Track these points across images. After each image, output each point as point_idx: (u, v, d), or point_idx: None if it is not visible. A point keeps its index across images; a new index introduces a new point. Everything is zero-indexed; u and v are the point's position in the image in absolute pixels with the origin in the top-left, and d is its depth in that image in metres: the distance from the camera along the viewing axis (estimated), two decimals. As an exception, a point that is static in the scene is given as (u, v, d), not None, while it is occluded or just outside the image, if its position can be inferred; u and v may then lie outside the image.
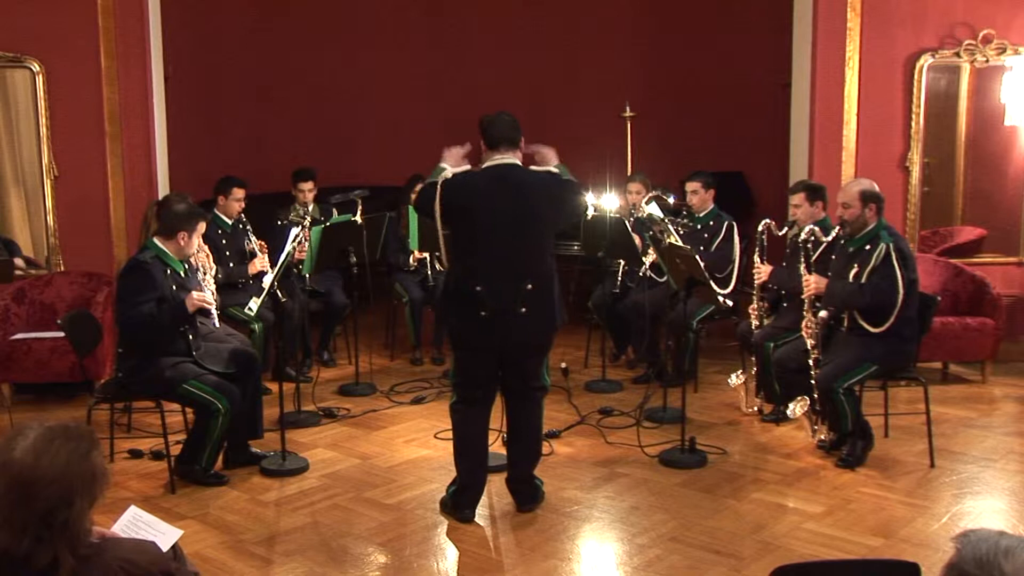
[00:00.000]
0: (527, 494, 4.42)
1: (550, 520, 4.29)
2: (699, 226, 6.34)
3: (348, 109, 9.73)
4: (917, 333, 4.91)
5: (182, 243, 4.75)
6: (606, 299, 6.71)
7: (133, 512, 2.51)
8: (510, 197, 4.10)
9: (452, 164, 4.32)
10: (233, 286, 6.31)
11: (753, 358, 5.66)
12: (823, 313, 5.01)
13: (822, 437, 5.08)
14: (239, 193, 6.44)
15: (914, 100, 6.74)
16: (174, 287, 4.70)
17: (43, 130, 6.51)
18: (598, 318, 6.85)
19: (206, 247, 5.94)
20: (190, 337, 4.78)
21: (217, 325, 5.07)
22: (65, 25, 6.46)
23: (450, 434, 5.23)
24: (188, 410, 5.08)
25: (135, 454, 5.17)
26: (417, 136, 9.62)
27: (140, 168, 6.64)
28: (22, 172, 6.68)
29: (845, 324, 4.95)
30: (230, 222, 6.46)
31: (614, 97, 8.11)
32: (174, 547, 2.41)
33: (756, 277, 5.60)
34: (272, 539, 4.13)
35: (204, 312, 4.82)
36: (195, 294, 4.69)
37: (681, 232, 5.96)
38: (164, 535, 2.40)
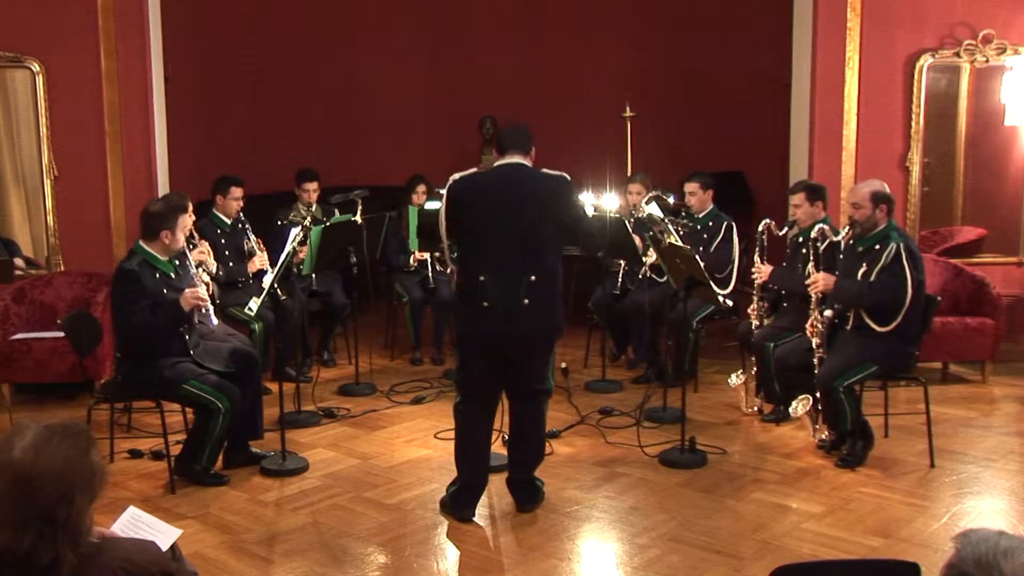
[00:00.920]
0: (528, 495, 4.42)
1: (550, 520, 4.29)
2: (698, 226, 6.33)
3: (348, 109, 9.72)
4: (919, 334, 4.91)
5: (167, 241, 4.72)
6: (606, 299, 6.71)
7: (132, 512, 2.50)
8: (516, 192, 4.19)
9: None
10: (233, 285, 6.31)
11: (753, 358, 5.65)
12: (828, 312, 5.01)
13: (822, 437, 5.08)
14: (237, 192, 6.44)
15: (914, 100, 6.75)
16: (165, 289, 4.68)
17: (43, 130, 6.51)
18: (598, 318, 6.85)
19: (205, 243, 5.95)
20: (186, 337, 4.77)
21: (215, 322, 5.05)
22: (65, 25, 6.47)
23: (450, 434, 5.25)
24: (188, 410, 5.08)
25: (135, 454, 5.17)
26: (417, 136, 9.64)
27: (140, 168, 6.64)
28: (22, 172, 6.68)
29: (850, 323, 4.95)
30: (229, 221, 6.46)
31: (614, 97, 8.11)
32: (173, 547, 2.40)
33: (756, 277, 5.60)
34: (272, 539, 4.13)
35: (199, 309, 4.79)
36: (188, 292, 4.67)
37: (681, 232, 5.96)
38: (163, 535, 2.40)
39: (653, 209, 6.09)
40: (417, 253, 6.96)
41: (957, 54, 6.71)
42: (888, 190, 4.95)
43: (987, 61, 6.72)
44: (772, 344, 5.42)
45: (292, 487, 4.72)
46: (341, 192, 6.69)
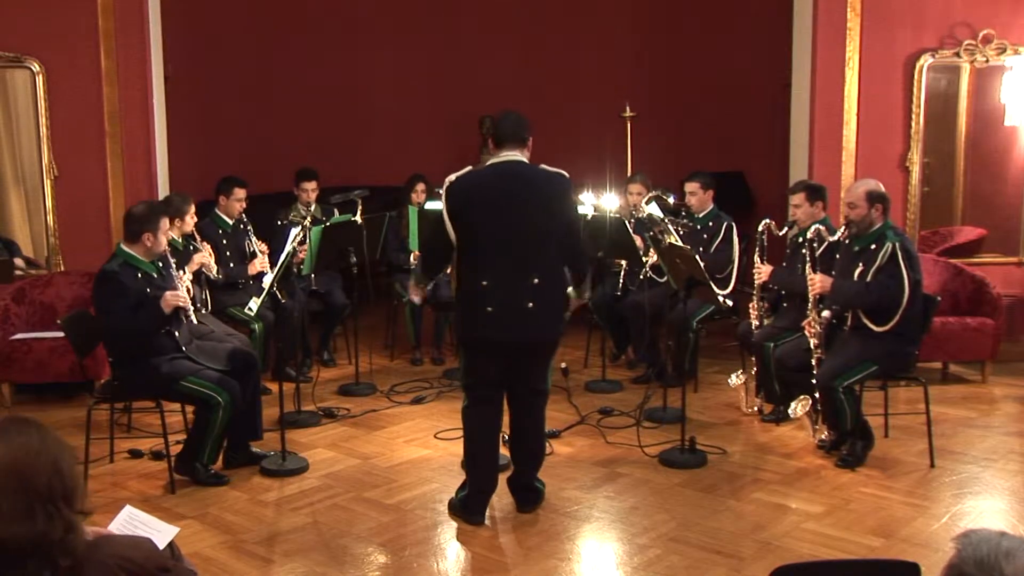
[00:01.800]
0: (528, 496, 4.42)
1: (550, 520, 4.29)
2: (699, 226, 6.33)
3: (348, 109, 9.73)
4: (919, 334, 4.91)
5: (148, 244, 4.70)
6: (606, 299, 6.71)
7: (128, 511, 2.50)
8: (515, 192, 4.10)
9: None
10: (233, 285, 6.31)
11: (753, 358, 5.65)
12: (826, 312, 5.01)
13: (822, 437, 5.07)
14: (240, 193, 6.45)
15: (914, 100, 6.75)
16: (147, 289, 4.66)
17: (43, 130, 6.51)
18: (598, 318, 6.85)
19: (207, 246, 5.95)
20: (175, 334, 4.77)
21: (195, 321, 5.02)
22: (65, 25, 6.46)
23: (450, 434, 5.27)
24: (188, 409, 5.08)
25: (135, 454, 5.17)
26: (418, 136, 9.64)
27: (140, 168, 6.63)
28: (22, 172, 6.68)
29: (848, 323, 4.95)
30: (231, 222, 6.47)
31: (614, 97, 8.11)
32: (171, 545, 2.40)
33: (756, 277, 5.60)
34: (272, 539, 4.13)
35: (180, 309, 4.77)
36: (168, 294, 4.66)
37: (681, 232, 5.96)
38: (160, 533, 2.39)
39: (653, 209, 6.09)
40: (417, 252, 6.95)
41: (957, 54, 6.71)
42: (883, 189, 4.95)
43: (987, 61, 6.72)
44: (772, 344, 5.42)
45: (292, 487, 4.72)
46: (341, 192, 6.69)
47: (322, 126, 9.59)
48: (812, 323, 5.00)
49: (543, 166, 4.21)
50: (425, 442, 5.36)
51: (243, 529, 4.22)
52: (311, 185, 6.90)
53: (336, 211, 6.93)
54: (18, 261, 6.58)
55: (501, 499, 4.47)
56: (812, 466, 4.91)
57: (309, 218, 6.56)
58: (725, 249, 6.23)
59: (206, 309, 5.88)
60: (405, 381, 6.56)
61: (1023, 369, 6.64)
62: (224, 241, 6.39)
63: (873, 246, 4.82)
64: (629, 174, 7.37)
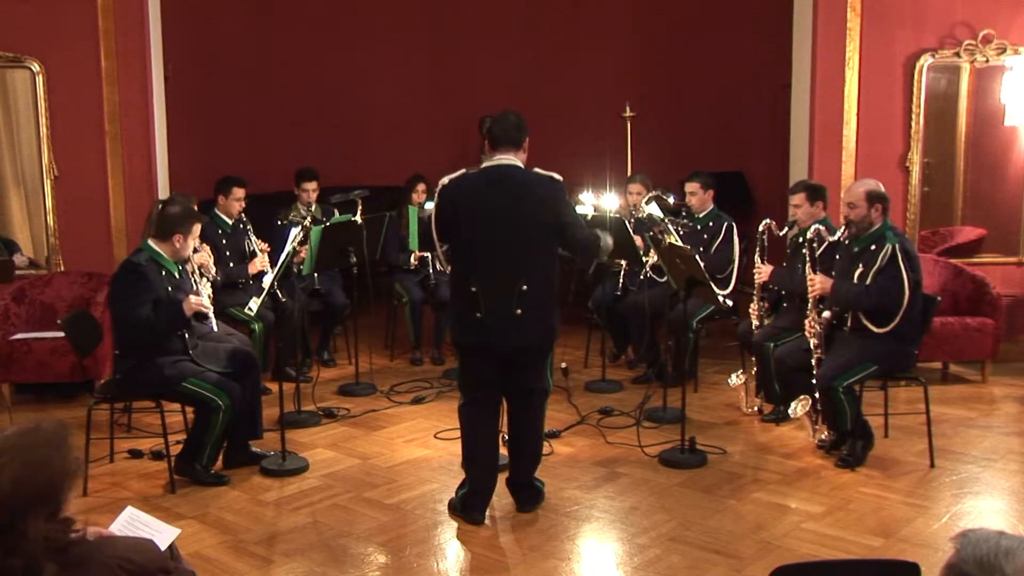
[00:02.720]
0: (528, 496, 4.42)
1: (550, 520, 4.29)
2: (699, 227, 6.33)
3: (348, 109, 9.73)
4: (918, 334, 4.91)
5: (177, 245, 4.73)
6: (606, 299, 6.71)
7: (130, 512, 2.51)
8: (505, 197, 4.08)
9: None
10: (233, 286, 6.31)
11: (753, 358, 5.65)
12: (826, 313, 5.01)
13: (822, 437, 5.07)
14: (239, 192, 6.45)
15: (914, 100, 6.75)
16: (169, 288, 4.69)
17: (43, 130, 6.51)
18: (598, 318, 6.85)
19: (207, 247, 5.95)
20: (186, 336, 4.77)
21: (215, 329, 5.05)
22: (65, 25, 6.47)
23: (450, 434, 5.27)
24: (188, 410, 5.08)
25: (135, 454, 5.17)
26: (417, 136, 9.64)
27: (140, 168, 6.64)
28: (22, 172, 6.68)
29: (848, 324, 4.95)
30: (230, 222, 6.47)
31: (614, 97, 8.11)
32: (171, 546, 2.40)
33: (757, 277, 5.60)
34: (272, 539, 4.13)
35: (201, 316, 4.81)
36: (192, 298, 4.68)
37: (681, 232, 5.96)
38: (161, 534, 2.40)
39: (653, 209, 6.09)
40: (417, 251, 6.96)
41: (957, 54, 6.71)
42: (883, 189, 4.95)
43: (987, 61, 6.72)
44: (772, 344, 5.42)
45: (292, 487, 4.72)
46: (341, 192, 6.69)
47: (322, 126, 9.59)
48: (812, 323, 5.00)
49: (536, 169, 4.17)
50: (425, 442, 5.36)
51: (243, 529, 4.23)
52: (311, 185, 6.90)
53: (336, 211, 6.93)
54: (19, 259, 6.57)
55: (501, 499, 4.47)
56: (812, 466, 4.90)
57: (309, 218, 6.57)
58: (725, 249, 6.23)
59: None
60: (405, 381, 6.56)
61: (1023, 369, 6.65)
62: (224, 241, 6.39)
63: (873, 247, 4.82)
64: (629, 174, 7.37)
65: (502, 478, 4.49)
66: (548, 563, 3.87)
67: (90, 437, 4.80)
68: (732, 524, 4.20)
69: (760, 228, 5.55)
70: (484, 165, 4.18)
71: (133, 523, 2.47)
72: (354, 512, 4.41)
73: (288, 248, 5.27)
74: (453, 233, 4.15)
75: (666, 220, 5.96)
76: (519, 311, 4.06)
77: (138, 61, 6.55)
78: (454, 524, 4.26)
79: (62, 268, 6.60)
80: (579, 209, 6.54)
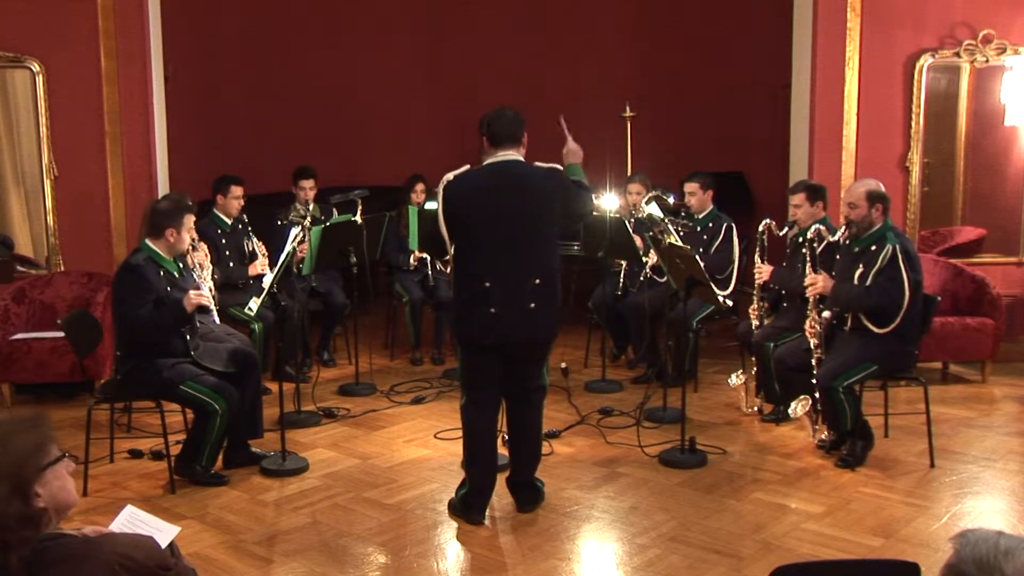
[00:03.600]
0: (528, 496, 4.42)
1: (550, 520, 4.29)
2: (699, 227, 6.33)
3: (348, 109, 9.73)
4: (919, 334, 4.91)
5: (171, 239, 4.73)
6: (606, 299, 6.71)
7: (130, 511, 2.51)
8: (513, 192, 4.10)
9: None
10: (233, 286, 6.31)
11: (753, 358, 5.65)
12: (827, 313, 5.01)
13: (822, 437, 5.07)
14: (237, 191, 6.44)
15: (914, 100, 6.75)
16: (169, 287, 4.69)
17: (43, 130, 6.51)
18: (598, 318, 6.85)
19: (204, 245, 5.95)
20: (187, 337, 4.78)
21: (217, 321, 5.06)
22: (65, 25, 6.46)
23: (450, 434, 5.27)
24: (188, 410, 5.08)
25: (135, 454, 5.17)
26: (418, 136, 9.64)
27: (140, 168, 6.64)
28: (22, 172, 6.68)
29: (848, 324, 4.95)
30: (229, 221, 6.46)
31: (614, 97, 8.11)
32: (171, 545, 2.40)
33: (757, 277, 5.60)
34: (272, 539, 4.13)
35: (203, 309, 4.81)
36: (192, 293, 4.68)
37: (681, 233, 5.96)
38: (161, 532, 2.40)
39: (653, 209, 6.09)
40: (417, 252, 6.96)
41: (957, 54, 6.71)
42: (883, 189, 4.95)
43: (987, 61, 6.72)
44: (772, 344, 5.42)
45: (292, 487, 4.72)
46: (341, 192, 6.69)
47: (322, 126, 9.59)
48: (813, 323, 4.99)
49: (538, 163, 4.20)
50: (425, 442, 5.36)
51: (243, 529, 4.23)
52: (309, 183, 6.90)
53: (336, 211, 6.93)
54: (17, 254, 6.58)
55: (501, 499, 4.47)
56: (812, 466, 4.90)
57: (309, 218, 6.57)
58: (725, 249, 6.23)
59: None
60: (405, 381, 6.56)
61: (1023, 369, 6.65)
62: (223, 241, 6.39)
63: (873, 247, 4.81)
64: (629, 174, 7.37)
65: (502, 478, 4.49)
66: (548, 563, 3.87)
67: (90, 437, 4.80)
68: (732, 524, 4.20)
69: (760, 228, 5.56)
70: (488, 161, 4.17)
71: (133, 522, 2.47)
72: (354, 512, 4.41)
73: (288, 248, 5.27)
74: (460, 230, 4.13)
75: (666, 220, 5.96)
76: (532, 305, 4.08)
77: (138, 61, 6.55)
78: (454, 524, 4.26)
79: (62, 268, 6.60)
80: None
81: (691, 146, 9.03)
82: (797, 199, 5.57)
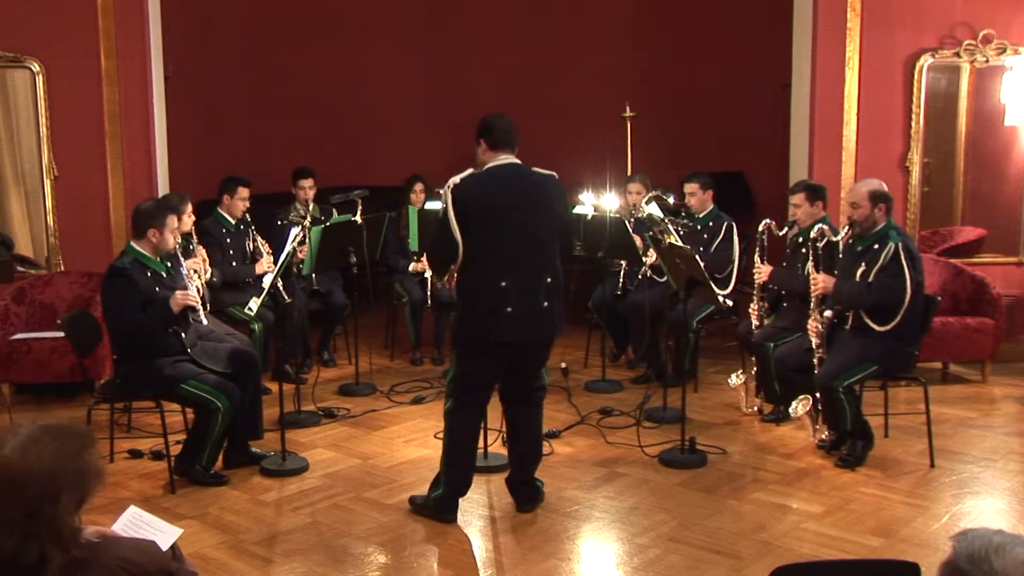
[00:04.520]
0: (528, 495, 4.42)
1: (550, 520, 4.29)
2: (699, 227, 6.33)
3: (348, 109, 9.73)
4: (919, 334, 4.91)
5: (154, 240, 4.71)
6: (606, 299, 6.71)
7: (132, 512, 2.50)
8: (521, 193, 4.15)
9: None
10: (235, 285, 6.31)
11: (753, 358, 5.65)
12: (828, 312, 5.00)
13: (822, 437, 5.07)
14: (244, 192, 6.46)
15: (914, 100, 6.75)
16: (157, 287, 4.68)
17: (43, 130, 6.51)
18: (598, 318, 6.85)
19: (203, 250, 5.95)
20: (182, 335, 4.77)
21: (204, 322, 5.03)
22: (65, 25, 6.47)
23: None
24: (188, 410, 5.08)
25: (135, 454, 5.17)
26: (417, 136, 9.64)
27: (140, 168, 6.64)
28: (22, 172, 6.68)
29: (849, 322, 4.95)
30: (234, 221, 6.48)
31: (614, 97, 8.11)
32: (173, 546, 2.40)
33: (756, 277, 5.60)
34: (272, 539, 4.13)
35: (191, 309, 4.79)
36: (179, 293, 4.67)
37: (681, 232, 5.96)
38: (164, 534, 2.40)
39: (653, 209, 6.09)
40: (416, 264, 6.96)
41: (957, 54, 6.71)
42: (886, 189, 4.95)
43: (987, 61, 6.72)
44: (772, 344, 5.42)
45: (292, 487, 4.72)
46: (341, 192, 6.69)
47: (322, 126, 9.59)
48: (815, 323, 4.99)
49: (535, 168, 4.24)
50: (425, 442, 5.36)
51: (243, 529, 4.23)
52: (308, 183, 6.91)
53: (336, 211, 6.93)
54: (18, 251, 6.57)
55: (501, 499, 4.47)
56: (812, 466, 4.91)
57: (309, 218, 6.57)
58: (725, 249, 6.24)
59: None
60: (405, 381, 6.56)
61: (1023, 369, 6.65)
62: (228, 240, 6.41)
63: (876, 246, 4.82)
64: (629, 174, 7.37)
65: (501, 477, 4.49)
66: (548, 563, 3.87)
67: (90, 437, 4.79)
68: (732, 524, 4.20)
69: (760, 228, 5.56)
70: (490, 165, 4.19)
71: (136, 523, 2.47)
72: (354, 512, 4.41)
73: (288, 248, 5.27)
74: (471, 232, 4.10)
75: (666, 220, 5.96)
76: (546, 303, 4.13)
77: (138, 61, 6.55)
78: (454, 524, 4.25)
79: (62, 268, 6.60)
80: (579, 209, 6.56)
81: (691, 146, 9.03)
82: (797, 199, 5.57)
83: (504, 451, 4.58)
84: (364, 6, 9.70)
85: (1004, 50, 6.68)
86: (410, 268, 7.09)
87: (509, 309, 4.07)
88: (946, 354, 6.48)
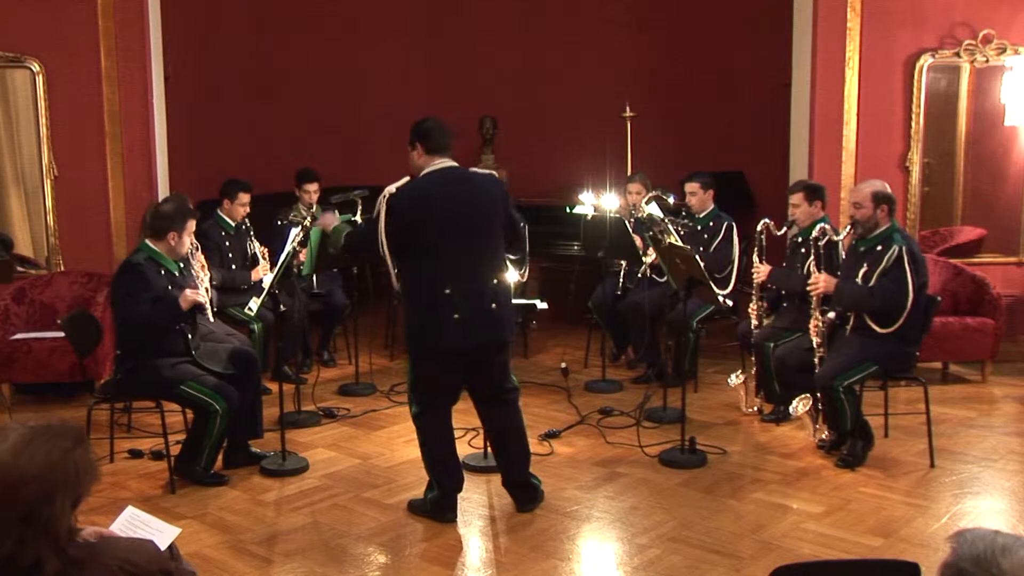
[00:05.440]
0: (526, 495, 4.42)
1: (550, 520, 4.29)
2: (699, 227, 6.33)
3: (348, 109, 9.73)
4: (919, 334, 4.91)
5: (172, 243, 4.75)
6: (606, 299, 6.71)
7: (131, 512, 2.51)
8: (463, 197, 4.12)
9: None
10: (234, 289, 6.31)
11: (753, 358, 5.65)
12: (831, 313, 5.00)
13: (822, 437, 5.07)
14: (245, 198, 6.45)
15: (914, 100, 6.75)
16: (169, 286, 4.70)
17: (43, 130, 6.51)
18: (598, 318, 6.85)
19: (202, 257, 5.94)
20: (189, 336, 4.78)
21: (212, 319, 5.07)
22: (65, 25, 6.46)
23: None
24: (188, 410, 5.08)
25: (135, 454, 5.17)
26: (418, 136, 9.62)
27: (140, 168, 6.64)
28: (22, 172, 6.68)
29: (851, 324, 4.95)
30: (233, 224, 6.47)
31: (614, 97, 8.10)
32: (171, 546, 2.40)
33: (755, 276, 5.60)
34: (272, 539, 4.13)
35: (199, 308, 4.81)
36: (188, 291, 4.70)
37: (681, 232, 5.96)
38: (162, 534, 2.40)
39: (653, 209, 6.09)
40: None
41: (957, 54, 6.71)
42: (889, 190, 4.95)
43: (987, 61, 6.72)
44: (772, 344, 5.42)
45: (292, 487, 4.72)
46: (341, 192, 6.68)
47: (322, 126, 9.59)
48: (816, 323, 4.99)
49: (474, 169, 4.26)
50: (425, 442, 5.35)
51: (243, 529, 4.23)
52: (313, 187, 6.90)
53: (336, 211, 6.91)
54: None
55: (501, 499, 4.47)
56: (812, 466, 4.90)
57: (309, 218, 6.56)
58: (725, 249, 6.23)
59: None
60: (405, 381, 6.53)
61: (1023, 369, 6.64)
62: (227, 243, 6.40)
63: (879, 248, 4.81)
64: (629, 174, 7.37)
65: (499, 477, 4.49)
66: (548, 563, 3.87)
67: (90, 437, 4.76)
68: (732, 524, 4.20)
69: (758, 228, 5.56)
70: (428, 170, 4.16)
71: (134, 523, 2.47)
72: (354, 512, 4.41)
73: (288, 248, 5.27)
74: (411, 243, 4.09)
75: (666, 220, 5.95)
76: (493, 306, 4.10)
77: (138, 61, 6.55)
78: (454, 524, 4.26)
79: (62, 268, 6.60)
80: (579, 209, 6.56)
81: (691, 146, 9.03)
82: (796, 199, 5.57)
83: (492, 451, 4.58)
84: (364, 6, 9.70)
85: (1004, 50, 6.68)
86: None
87: (456, 315, 4.03)
88: (946, 354, 6.48)
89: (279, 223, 6.65)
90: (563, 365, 6.45)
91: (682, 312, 5.55)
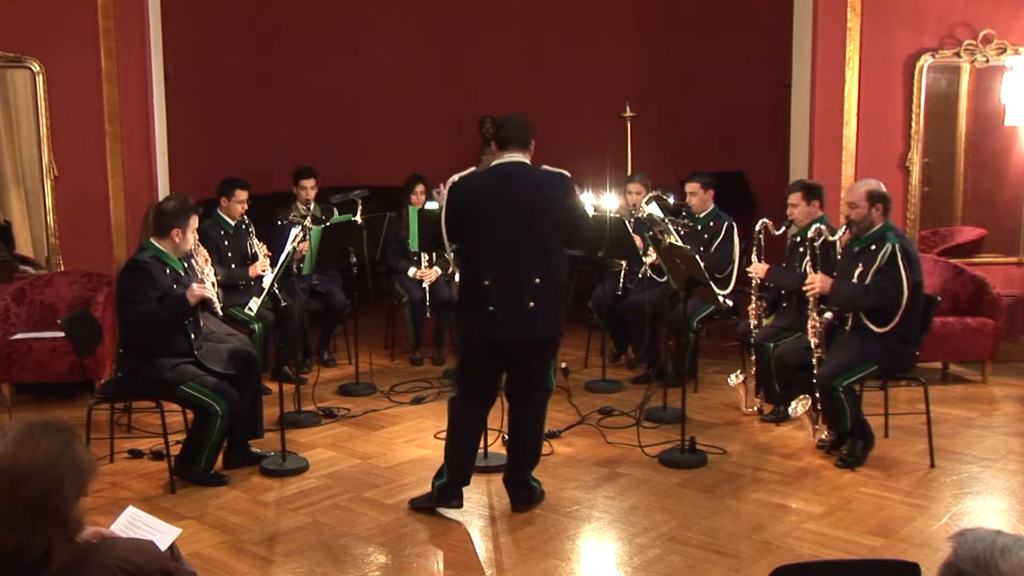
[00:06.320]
0: (523, 496, 4.41)
1: (550, 520, 4.29)
2: (699, 227, 6.34)
3: (349, 109, 9.73)
4: (919, 335, 4.91)
5: (176, 240, 4.75)
6: (606, 299, 6.71)
7: (131, 512, 2.51)
8: (517, 191, 4.15)
9: None
10: (233, 287, 6.31)
11: (753, 358, 5.66)
12: (828, 314, 5.00)
13: (822, 437, 5.07)
14: (242, 195, 6.45)
15: (914, 100, 6.75)
16: (175, 284, 4.71)
17: (43, 130, 6.51)
18: (598, 318, 6.85)
19: (204, 251, 5.95)
20: (192, 336, 4.78)
21: (220, 314, 5.08)
22: (65, 25, 6.46)
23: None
24: (188, 410, 5.08)
25: (135, 454, 5.17)
26: (418, 136, 9.64)
27: (140, 168, 6.64)
28: (22, 172, 6.68)
29: (849, 324, 4.95)
30: (232, 223, 6.47)
31: (614, 97, 8.11)
32: (171, 546, 2.41)
33: (752, 275, 5.60)
34: (272, 539, 4.13)
35: (207, 303, 4.82)
36: (195, 286, 4.70)
37: (681, 232, 5.96)
38: (162, 534, 2.40)
39: (653, 209, 6.09)
40: (419, 272, 6.95)
41: (957, 54, 6.71)
42: (884, 189, 4.96)
43: (987, 61, 6.72)
44: (772, 344, 5.42)
45: (292, 487, 4.72)
46: (341, 192, 6.69)
47: (322, 126, 9.60)
48: (813, 323, 4.99)
49: (545, 167, 4.25)
50: (425, 442, 5.36)
51: (243, 529, 4.23)
52: (310, 183, 6.91)
53: (336, 211, 6.93)
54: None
55: (501, 499, 4.47)
56: (812, 466, 4.91)
57: (309, 218, 6.57)
58: (725, 249, 6.23)
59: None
60: (405, 381, 6.56)
61: (1023, 369, 6.65)
62: (226, 242, 6.41)
63: (873, 247, 4.82)
64: (629, 174, 7.37)
65: (501, 477, 4.49)
66: (548, 563, 3.87)
67: (90, 437, 4.79)
68: (732, 524, 4.20)
69: (757, 228, 5.56)
70: (495, 163, 4.24)
71: (134, 523, 2.47)
72: (354, 512, 4.41)
73: (288, 248, 5.28)
74: (463, 230, 4.19)
75: (666, 220, 5.96)
76: (531, 304, 4.10)
77: (138, 61, 6.55)
78: (454, 524, 4.26)
79: (62, 268, 6.60)
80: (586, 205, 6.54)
81: (691, 146, 9.03)
82: (794, 198, 5.58)
83: (504, 451, 4.58)
84: (364, 6, 9.71)
85: (1004, 50, 6.68)
86: (412, 273, 7.07)
87: (491, 308, 4.08)
88: (946, 354, 6.48)
89: (279, 223, 6.66)
90: (563, 365, 6.45)
91: (682, 312, 5.55)
